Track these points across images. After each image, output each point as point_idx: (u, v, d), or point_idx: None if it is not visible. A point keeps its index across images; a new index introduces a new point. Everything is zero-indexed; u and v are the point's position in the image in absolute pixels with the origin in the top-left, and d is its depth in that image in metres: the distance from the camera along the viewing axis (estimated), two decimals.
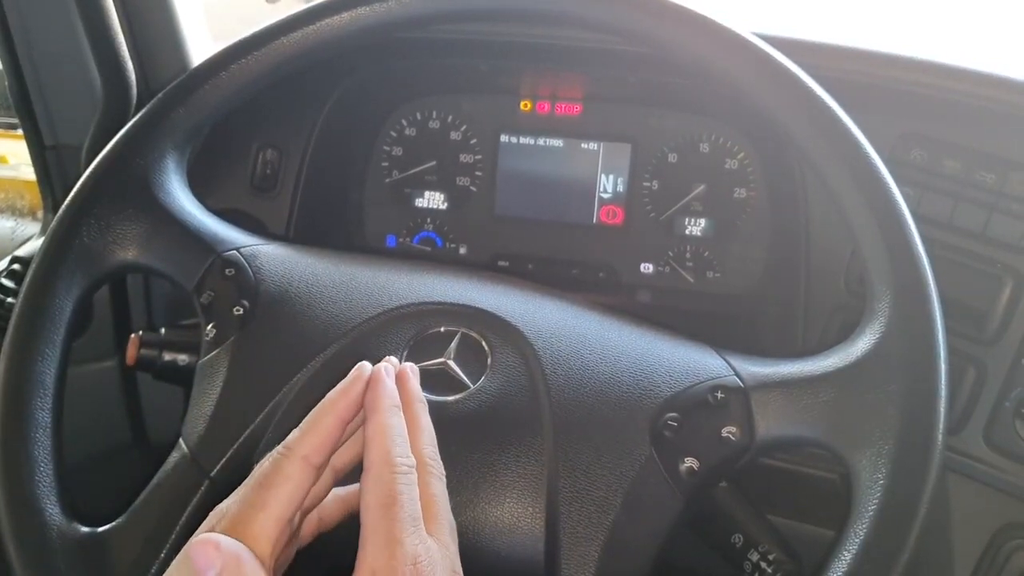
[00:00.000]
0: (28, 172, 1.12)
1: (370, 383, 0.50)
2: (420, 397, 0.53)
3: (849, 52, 0.78)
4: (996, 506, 0.75)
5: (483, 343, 0.63)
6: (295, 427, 0.60)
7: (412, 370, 0.54)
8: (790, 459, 0.84)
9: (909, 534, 0.50)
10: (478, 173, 1.04)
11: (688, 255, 1.01)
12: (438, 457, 0.50)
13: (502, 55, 0.94)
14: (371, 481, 0.46)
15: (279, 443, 0.59)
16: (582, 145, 1.01)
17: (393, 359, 0.53)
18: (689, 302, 1.00)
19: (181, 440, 0.62)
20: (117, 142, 0.69)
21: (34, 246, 0.95)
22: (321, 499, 0.52)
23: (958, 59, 0.76)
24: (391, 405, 0.49)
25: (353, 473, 0.51)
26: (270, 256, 0.69)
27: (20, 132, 0.98)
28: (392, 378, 0.51)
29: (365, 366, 0.51)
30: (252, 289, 0.66)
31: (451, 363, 0.62)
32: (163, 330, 0.73)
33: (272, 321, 0.65)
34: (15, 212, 1.14)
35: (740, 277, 0.99)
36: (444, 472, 0.50)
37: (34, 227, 1.09)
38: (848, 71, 0.77)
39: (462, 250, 1.07)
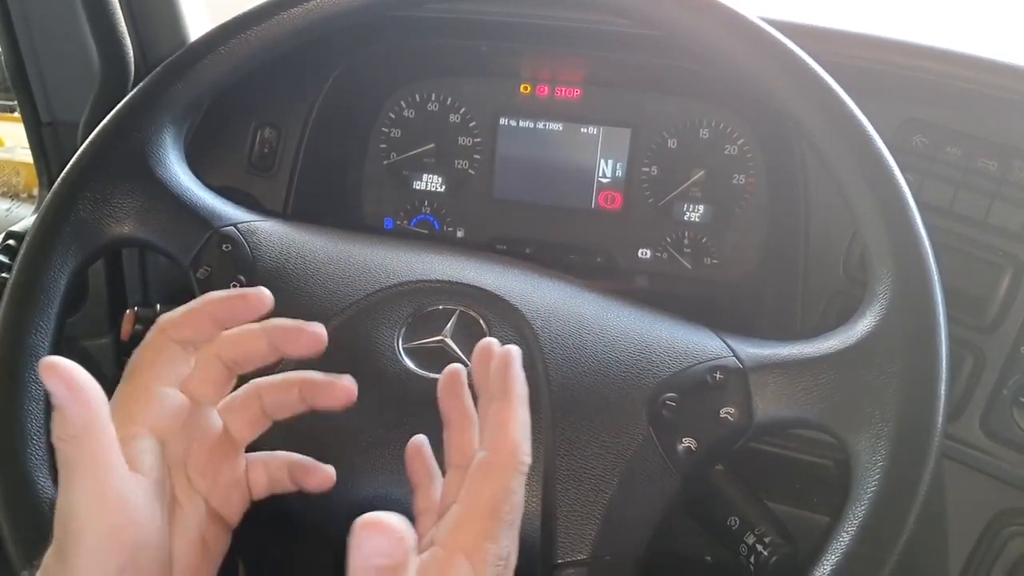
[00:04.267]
0: (24, 155, 1.11)
1: (506, 364, 0.46)
2: (524, 389, 0.47)
3: (852, 37, 0.78)
4: (993, 493, 0.75)
5: (481, 322, 0.62)
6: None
7: (517, 354, 0.47)
8: (784, 444, 0.84)
9: (908, 516, 0.50)
10: (477, 156, 1.04)
11: (686, 241, 1.00)
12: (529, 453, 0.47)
13: (502, 36, 0.94)
14: (489, 470, 0.43)
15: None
16: (581, 129, 1.01)
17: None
18: (686, 288, 1.00)
19: None
20: (114, 115, 0.68)
21: (30, 222, 0.94)
22: (221, 389, 0.50)
23: (961, 45, 0.76)
24: (525, 395, 0.46)
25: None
26: (267, 232, 0.69)
27: (16, 115, 0.97)
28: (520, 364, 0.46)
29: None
30: (249, 265, 0.66)
31: (449, 341, 0.61)
32: (159, 306, 0.72)
33: None
34: (11, 189, 1.14)
35: (738, 264, 0.99)
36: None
37: (27, 209, 1.08)
38: (851, 56, 0.77)
39: (460, 233, 1.06)
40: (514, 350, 0.47)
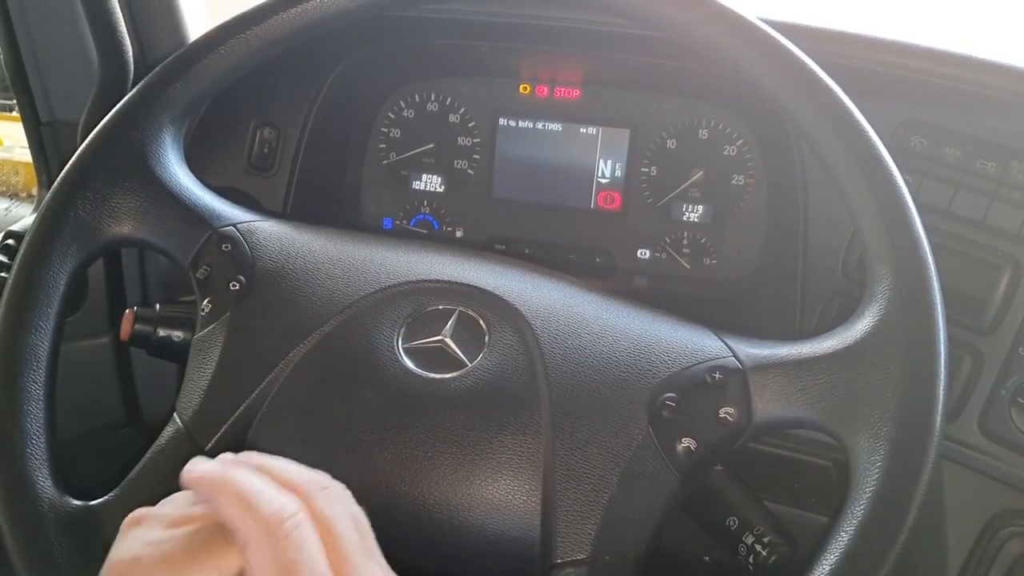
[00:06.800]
0: (23, 154, 1.11)
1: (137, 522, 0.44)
2: (231, 459, 0.47)
3: (852, 38, 0.78)
4: (991, 494, 0.75)
5: (480, 321, 0.62)
6: (290, 403, 0.60)
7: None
8: (783, 444, 0.84)
9: (907, 516, 0.50)
10: (476, 156, 1.04)
11: (685, 241, 1.00)
12: (305, 473, 0.46)
13: (502, 36, 0.94)
14: (256, 557, 0.40)
15: (274, 420, 0.60)
16: (581, 130, 1.01)
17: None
18: (685, 288, 1.00)
19: (176, 415, 0.61)
20: (114, 115, 0.68)
21: (29, 221, 0.94)
22: None
23: (961, 46, 0.76)
24: (218, 478, 0.44)
25: None
26: (267, 232, 0.69)
27: (15, 114, 0.97)
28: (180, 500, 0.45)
29: None
30: (249, 265, 0.66)
31: (448, 341, 0.61)
32: (158, 306, 0.73)
33: (268, 297, 0.64)
34: (10, 188, 1.14)
35: (736, 264, 0.99)
36: (324, 484, 0.45)
37: (26, 208, 1.08)
38: (850, 57, 0.77)
39: (459, 233, 1.06)
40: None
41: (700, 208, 0.99)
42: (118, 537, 0.45)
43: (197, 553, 0.42)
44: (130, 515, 0.46)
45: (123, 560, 0.43)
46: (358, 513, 0.46)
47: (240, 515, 0.42)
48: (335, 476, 0.55)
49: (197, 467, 0.45)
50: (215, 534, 0.43)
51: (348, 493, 0.47)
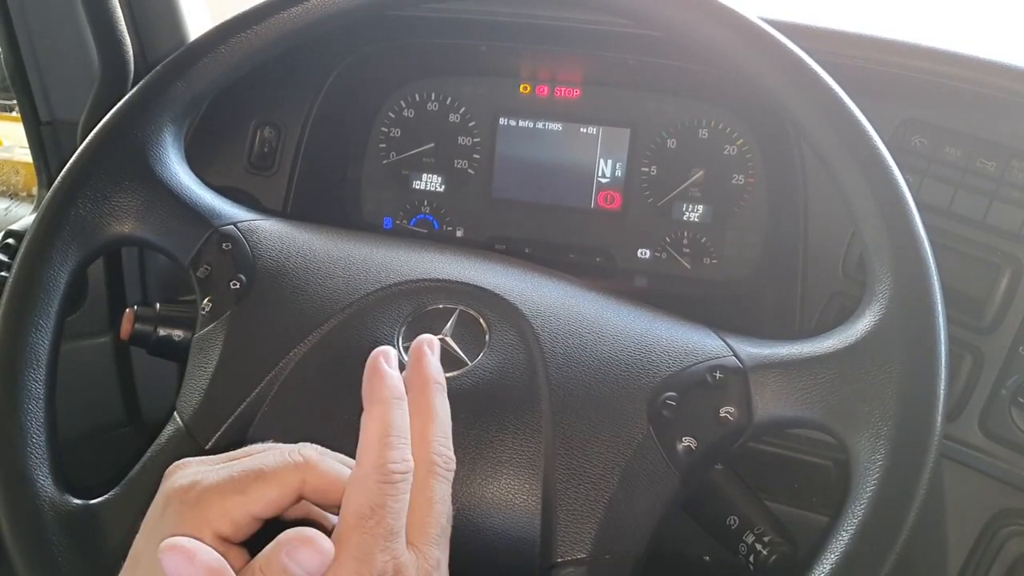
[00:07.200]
0: (23, 154, 1.11)
1: (367, 373, 0.46)
2: (436, 378, 0.48)
3: (852, 38, 0.78)
4: (991, 493, 0.75)
5: (481, 321, 0.62)
6: (290, 402, 0.60)
7: (430, 344, 0.50)
8: (783, 444, 0.84)
9: (907, 516, 0.50)
10: (476, 156, 1.04)
11: (685, 241, 1.00)
12: (448, 450, 0.47)
13: (502, 36, 0.94)
14: (354, 487, 0.43)
15: (275, 418, 0.60)
16: (581, 129, 1.01)
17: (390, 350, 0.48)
18: (686, 288, 1.00)
19: (176, 413, 0.61)
20: (114, 114, 0.69)
21: (29, 221, 0.94)
22: None
23: (961, 46, 0.76)
24: (391, 397, 0.45)
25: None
26: (267, 231, 0.69)
27: (15, 114, 0.97)
28: (394, 364, 0.47)
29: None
30: (249, 264, 0.66)
31: (449, 340, 0.61)
32: (158, 305, 0.72)
33: (269, 296, 0.64)
34: (10, 188, 1.14)
35: (737, 264, 0.99)
36: (453, 467, 0.47)
37: (26, 208, 1.08)
38: (851, 57, 0.77)
39: (459, 233, 1.06)
40: (383, 354, 0.47)
41: (700, 208, 0.99)
42: (164, 480, 0.45)
43: (256, 470, 0.43)
44: (172, 465, 0.46)
45: (182, 486, 0.43)
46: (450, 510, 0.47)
47: (368, 442, 0.44)
48: None
49: (380, 365, 0.47)
50: (269, 457, 0.44)
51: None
